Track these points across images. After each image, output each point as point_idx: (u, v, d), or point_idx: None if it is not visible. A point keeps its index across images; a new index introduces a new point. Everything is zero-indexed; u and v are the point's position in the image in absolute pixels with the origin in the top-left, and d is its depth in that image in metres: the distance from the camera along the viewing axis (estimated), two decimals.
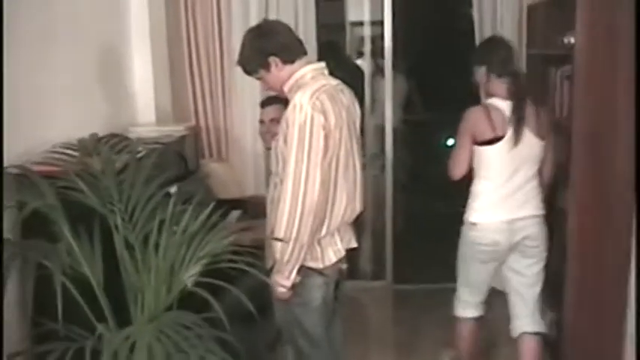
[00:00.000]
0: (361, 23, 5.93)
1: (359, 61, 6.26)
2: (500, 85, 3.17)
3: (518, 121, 3.08)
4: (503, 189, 3.16)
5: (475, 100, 3.36)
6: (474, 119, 3.16)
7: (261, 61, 2.56)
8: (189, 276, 2.22)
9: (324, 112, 2.41)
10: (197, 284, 2.19)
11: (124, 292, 2.21)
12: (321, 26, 4.76)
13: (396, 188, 5.17)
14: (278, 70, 2.56)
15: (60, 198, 2.20)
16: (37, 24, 2.79)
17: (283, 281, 2.53)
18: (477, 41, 4.45)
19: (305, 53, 2.64)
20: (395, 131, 5.00)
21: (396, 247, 5.05)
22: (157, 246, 2.20)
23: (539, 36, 4.18)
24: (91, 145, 2.63)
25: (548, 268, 3.42)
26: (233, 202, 3.34)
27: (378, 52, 5.40)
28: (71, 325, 2.08)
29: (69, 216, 2.18)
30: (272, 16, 4.35)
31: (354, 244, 2.80)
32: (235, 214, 3.58)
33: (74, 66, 3.12)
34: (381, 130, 5.17)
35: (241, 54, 2.65)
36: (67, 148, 2.60)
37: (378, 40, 5.19)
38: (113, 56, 3.68)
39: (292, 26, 4.26)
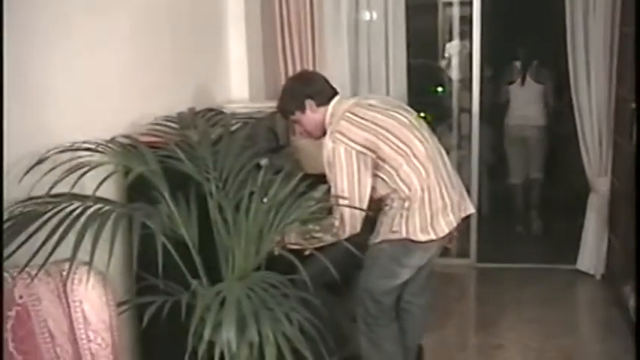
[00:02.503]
0: (451, 4, 5.95)
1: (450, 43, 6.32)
2: (518, 52, 5.68)
3: (522, 73, 5.65)
4: (518, 108, 5.75)
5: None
6: (504, 73, 5.82)
7: (298, 103, 2.89)
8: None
9: (348, 138, 2.73)
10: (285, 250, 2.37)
11: (217, 253, 2.40)
12: (412, 7, 4.81)
13: (482, 169, 5.20)
14: (312, 112, 2.89)
15: (161, 166, 2.39)
16: (140, 2, 2.98)
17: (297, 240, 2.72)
18: (568, 22, 4.41)
19: (336, 94, 2.94)
20: (482, 113, 5.01)
21: (481, 227, 5.09)
22: (247, 211, 2.37)
23: (634, 13, 4.08)
24: (189, 119, 2.84)
25: (631, 248, 3.41)
26: (321, 177, 3.46)
27: (467, 33, 5.41)
28: (169, 281, 2.29)
29: (168, 183, 2.37)
30: None
31: (471, 210, 3.01)
32: (323, 187, 3.72)
33: (174, 45, 3.31)
34: (469, 111, 5.21)
35: (281, 98, 3.00)
36: (168, 121, 2.81)
37: (467, 20, 5.21)
38: (210, 36, 3.87)
39: (382, 7, 4.44)
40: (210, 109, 3.04)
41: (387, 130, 2.77)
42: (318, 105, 2.89)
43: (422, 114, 5.89)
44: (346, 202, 2.70)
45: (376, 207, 2.93)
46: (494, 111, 5.90)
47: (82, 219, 1.99)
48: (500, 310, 4.31)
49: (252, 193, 2.41)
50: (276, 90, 4.56)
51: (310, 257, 2.54)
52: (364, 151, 2.72)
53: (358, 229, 2.74)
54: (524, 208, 5.98)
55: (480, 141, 5.05)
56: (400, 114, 2.86)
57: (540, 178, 5.93)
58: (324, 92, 2.93)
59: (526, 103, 5.72)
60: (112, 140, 2.39)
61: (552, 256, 5.12)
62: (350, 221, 2.72)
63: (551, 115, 5.75)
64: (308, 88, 2.93)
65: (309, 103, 2.89)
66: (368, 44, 4.68)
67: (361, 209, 2.71)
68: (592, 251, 4.76)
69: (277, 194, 2.40)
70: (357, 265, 2.96)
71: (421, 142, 2.81)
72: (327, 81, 3.03)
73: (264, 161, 3.04)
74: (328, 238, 2.69)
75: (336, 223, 2.69)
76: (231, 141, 2.61)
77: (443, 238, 2.86)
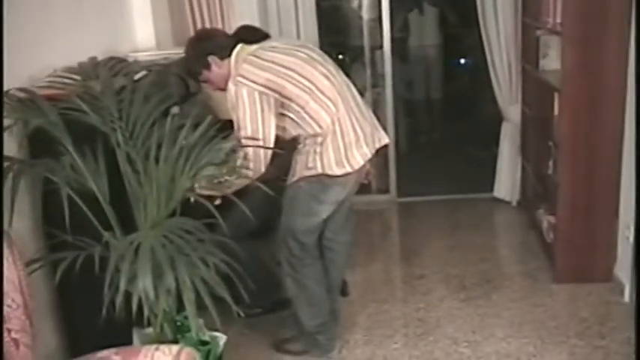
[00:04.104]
0: None
1: None
2: None
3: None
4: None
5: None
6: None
7: (203, 62, 2.87)
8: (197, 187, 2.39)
9: (249, 80, 2.71)
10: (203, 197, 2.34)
11: (130, 205, 2.35)
12: None
13: (398, 105, 5.24)
14: (218, 67, 2.86)
15: (64, 119, 2.30)
16: None
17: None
18: None
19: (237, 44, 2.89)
20: (394, 49, 5.04)
21: (399, 163, 5.17)
22: (157, 159, 2.32)
23: None
24: (90, 69, 2.73)
25: (542, 173, 3.54)
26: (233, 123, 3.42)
27: None
28: (83, 236, 2.24)
29: (73, 136, 2.29)
30: None
31: (386, 140, 3.01)
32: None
33: None
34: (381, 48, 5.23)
35: (185, 61, 2.98)
36: (69, 73, 2.70)
37: None
38: None
39: None
40: (113, 58, 2.93)
41: (289, 69, 2.76)
42: (222, 58, 2.86)
43: (340, 56, 5.96)
44: (251, 142, 2.68)
45: (291, 148, 2.92)
46: (406, 45, 5.96)
47: None
48: (422, 241, 4.41)
49: (162, 138, 2.36)
50: (184, 36, 4.44)
51: (224, 205, 2.53)
52: (266, 91, 2.71)
53: (263, 169, 2.73)
54: (438, 137, 6.27)
55: (394, 77, 5.07)
56: (301, 51, 2.85)
57: (441, 98, 6.69)
58: (225, 45, 2.89)
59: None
60: (7, 94, 2.27)
61: (470, 185, 5.25)
62: (255, 161, 2.71)
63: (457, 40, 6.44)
64: (208, 44, 2.90)
65: (212, 59, 2.86)
66: None
67: (266, 148, 2.70)
68: (507, 179, 4.90)
69: (187, 138, 2.36)
70: (280, 211, 2.96)
71: (326, 76, 2.80)
72: (226, 34, 3.03)
73: (174, 109, 2.98)
74: (237, 182, 2.66)
75: (239, 162, 2.66)
76: (135, 89, 2.53)
77: (359, 171, 2.88)
